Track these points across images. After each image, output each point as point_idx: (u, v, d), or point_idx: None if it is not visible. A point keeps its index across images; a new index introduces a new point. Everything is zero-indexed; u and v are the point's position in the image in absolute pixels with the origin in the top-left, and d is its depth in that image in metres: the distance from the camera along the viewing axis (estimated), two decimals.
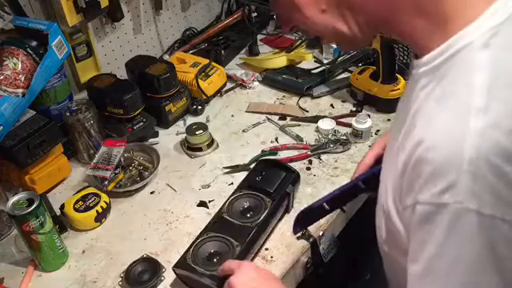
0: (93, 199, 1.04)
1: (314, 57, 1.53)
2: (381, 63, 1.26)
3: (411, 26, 0.55)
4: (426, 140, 0.49)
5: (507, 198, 0.46)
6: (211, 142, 1.23)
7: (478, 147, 0.46)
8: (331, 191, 0.85)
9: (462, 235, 0.47)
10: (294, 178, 1.03)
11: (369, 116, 1.20)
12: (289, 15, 0.65)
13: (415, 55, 0.58)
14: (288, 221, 1.01)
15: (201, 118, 1.35)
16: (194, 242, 0.91)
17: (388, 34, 0.65)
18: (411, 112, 0.55)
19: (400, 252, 0.60)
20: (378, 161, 0.87)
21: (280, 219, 1.01)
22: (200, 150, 1.22)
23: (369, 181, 0.82)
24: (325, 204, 0.83)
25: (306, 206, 0.85)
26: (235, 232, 0.91)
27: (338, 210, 0.89)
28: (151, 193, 1.12)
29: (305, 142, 1.21)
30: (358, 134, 1.20)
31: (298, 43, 1.60)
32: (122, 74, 1.38)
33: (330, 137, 1.21)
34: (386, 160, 0.69)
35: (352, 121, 1.21)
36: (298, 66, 1.51)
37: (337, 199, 0.84)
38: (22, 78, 1.03)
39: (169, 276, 0.91)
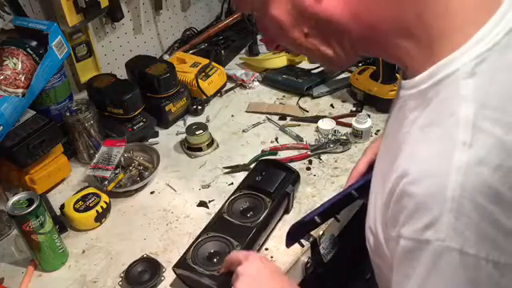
0: (93, 199, 1.04)
1: None
2: (381, 63, 1.26)
3: (398, 48, 0.54)
4: (409, 173, 0.48)
5: (492, 238, 0.45)
6: (211, 142, 1.23)
7: (461, 184, 0.44)
8: (323, 203, 0.84)
9: (445, 273, 0.46)
10: (294, 178, 1.03)
11: (369, 116, 1.20)
12: (274, 35, 0.64)
13: (403, 75, 0.57)
14: (288, 221, 1.01)
15: (201, 118, 1.35)
16: (194, 242, 0.91)
17: (374, 55, 0.64)
18: (400, 135, 0.54)
19: (387, 267, 0.59)
20: (372, 167, 0.87)
21: (280, 219, 1.01)
22: (200, 149, 1.22)
23: (362, 189, 0.82)
24: (316, 218, 0.82)
25: (296, 220, 0.85)
26: (235, 232, 0.91)
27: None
28: (151, 193, 1.12)
29: (305, 142, 1.21)
30: (357, 134, 1.20)
31: None
32: (122, 73, 1.38)
33: (330, 137, 1.21)
34: (377, 172, 0.67)
35: (352, 121, 1.21)
36: (298, 66, 1.51)
37: (329, 211, 0.84)
38: (22, 78, 1.03)
39: (169, 276, 0.91)
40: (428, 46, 0.51)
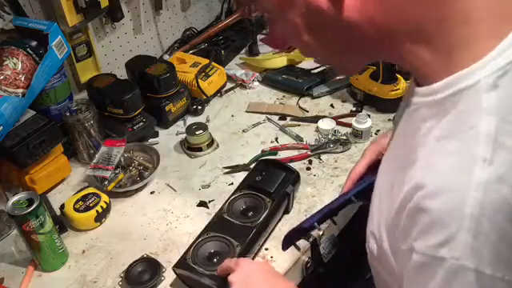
0: (93, 199, 1.04)
1: None
2: (381, 63, 1.26)
3: (413, 54, 0.52)
4: (425, 186, 0.47)
5: (508, 257, 0.44)
6: (211, 142, 1.23)
7: (481, 202, 0.43)
8: (322, 207, 0.84)
9: None
10: (294, 178, 1.03)
11: (369, 116, 1.20)
12: (286, 38, 0.62)
13: (415, 81, 0.55)
14: (288, 221, 1.01)
15: (201, 118, 1.35)
16: (194, 242, 0.91)
17: (386, 59, 0.62)
18: (412, 142, 0.52)
19: (387, 272, 0.59)
20: (371, 168, 0.87)
21: (280, 219, 1.01)
22: (200, 149, 1.22)
23: (362, 194, 0.81)
24: (316, 224, 0.83)
25: (296, 221, 0.85)
26: (235, 232, 0.91)
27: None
28: (151, 193, 1.12)
29: (305, 142, 1.21)
30: (357, 134, 1.20)
31: None
32: (122, 73, 1.38)
33: (330, 137, 1.21)
34: (383, 175, 0.65)
35: (352, 121, 1.21)
36: (298, 65, 1.51)
37: (328, 216, 0.84)
38: (22, 78, 1.03)
39: (169, 276, 0.91)
40: (446, 54, 0.49)
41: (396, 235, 0.53)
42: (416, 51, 0.51)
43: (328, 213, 0.83)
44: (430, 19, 0.49)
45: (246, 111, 1.36)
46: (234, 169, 1.15)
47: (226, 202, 0.99)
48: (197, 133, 1.21)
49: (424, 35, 0.50)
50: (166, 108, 1.29)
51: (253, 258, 0.93)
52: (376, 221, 0.61)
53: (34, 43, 1.07)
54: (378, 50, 0.56)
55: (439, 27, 0.49)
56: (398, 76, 1.29)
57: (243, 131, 1.29)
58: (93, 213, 1.02)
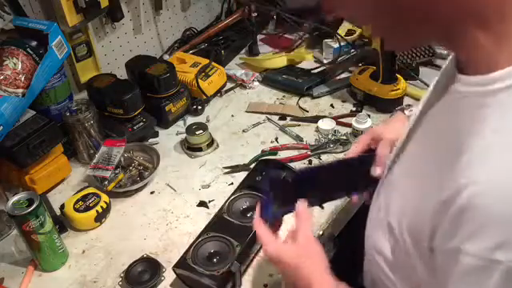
0: (93, 199, 1.04)
1: (314, 57, 1.53)
2: (381, 63, 1.26)
3: (469, 38, 0.48)
4: (478, 183, 0.44)
5: None
6: (211, 142, 1.23)
7: None
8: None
9: None
10: None
11: (369, 116, 1.20)
12: (337, 6, 0.56)
13: (459, 66, 0.52)
14: (288, 221, 1.01)
15: (201, 118, 1.35)
16: (194, 242, 0.91)
17: (435, 41, 0.58)
18: (458, 134, 0.49)
19: (406, 282, 0.57)
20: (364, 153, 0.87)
21: None
22: (200, 150, 1.22)
23: (341, 166, 0.81)
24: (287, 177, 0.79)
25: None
26: (235, 232, 0.91)
27: (337, 207, 0.88)
28: (151, 193, 1.12)
29: (305, 142, 1.21)
30: (358, 134, 1.20)
31: (298, 43, 1.60)
32: (122, 73, 1.38)
33: (330, 137, 1.21)
34: (410, 169, 0.61)
35: (352, 121, 1.21)
36: (298, 66, 1.51)
37: (306, 176, 0.79)
38: (22, 78, 1.03)
39: (169, 276, 0.91)
40: (504, 42, 0.46)
41: (435, 235, 0.50)
42: (474, 36, 0.48)
43: (306, 172, 0.81)
44: (492, 3, 0.46)
45: (246, 111, 1.36)
46: (234, 169, 1.16)
47: (226, 201, 0.99)
48: (197, 133, 1.21)
49: (485, 20, 0.47)
50: (166, 108, 1.29)
51: (253, 258, 0.93)
52: (397, 213, 0.58)
53: (34, 43, 1.07)
54: (431, 28, 0.52)
55: (501, 13, 0.46)
56: (398, 76, 1.29)
57: (243, 131, 1.29)
58: (93, 213, 1.02)
